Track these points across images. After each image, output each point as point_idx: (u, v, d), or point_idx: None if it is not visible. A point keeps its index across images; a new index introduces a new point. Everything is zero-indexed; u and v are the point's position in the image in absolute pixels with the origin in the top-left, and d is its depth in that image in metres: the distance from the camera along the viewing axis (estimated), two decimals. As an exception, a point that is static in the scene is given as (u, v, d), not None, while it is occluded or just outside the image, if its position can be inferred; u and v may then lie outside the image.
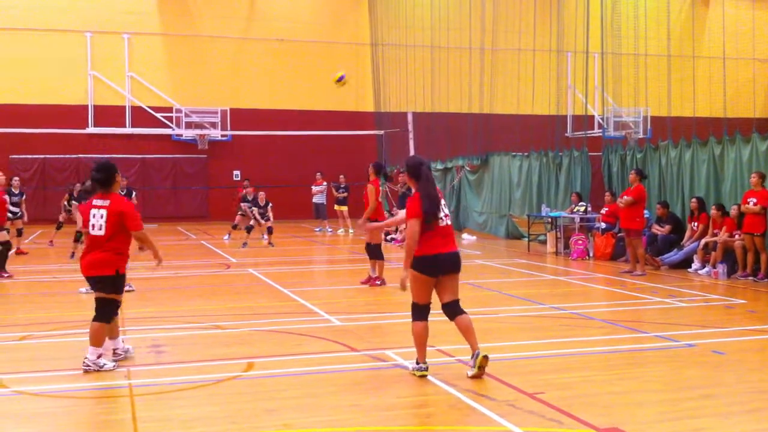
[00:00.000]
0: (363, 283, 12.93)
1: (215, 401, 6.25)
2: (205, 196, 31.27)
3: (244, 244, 20.16)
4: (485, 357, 6.75)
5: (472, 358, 6.81)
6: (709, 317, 10.11)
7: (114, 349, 7.59)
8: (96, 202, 7.45)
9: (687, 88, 21.78)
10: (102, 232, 7.31)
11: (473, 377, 6.75)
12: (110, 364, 7.27)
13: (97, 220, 7.35)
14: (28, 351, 8.31)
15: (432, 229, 6.83)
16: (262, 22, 32.31)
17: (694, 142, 16.14)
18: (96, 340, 7.23)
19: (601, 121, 30.59)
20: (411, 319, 6.96)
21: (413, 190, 7.05)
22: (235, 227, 21.92)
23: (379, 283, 12.81)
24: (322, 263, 17.73)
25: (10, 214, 18.72)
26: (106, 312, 7.33)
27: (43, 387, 6.76)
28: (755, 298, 11.55)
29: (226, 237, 22.06)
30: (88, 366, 7.18)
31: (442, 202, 7.00)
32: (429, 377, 6.83)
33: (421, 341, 6.92)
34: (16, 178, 20.33)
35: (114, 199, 7.43)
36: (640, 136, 29.36)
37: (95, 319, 7.29)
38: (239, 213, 21.56)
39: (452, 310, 6.96)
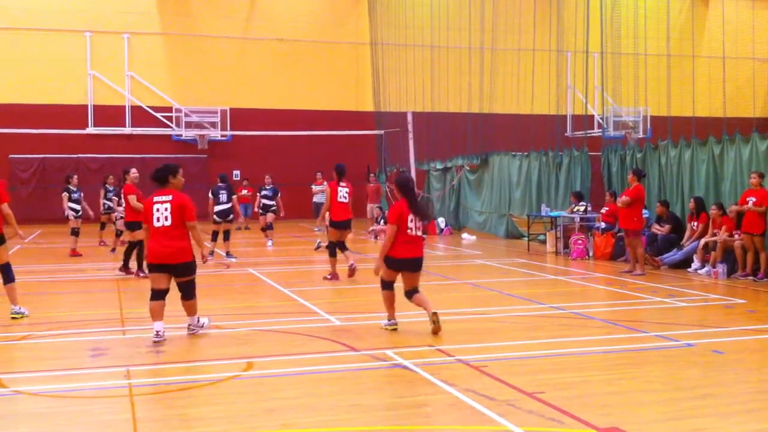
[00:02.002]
0: (350, 277, 13.40)
1: (215, 401, 6.25)
2: (205, 196, 31.23)
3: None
4: (435, 313, 8.60)
5: (429, 317, 8.63)
6: (709, 317, 10.11)
7: (158, 331, 8.44)
8: (157, 198, 8.48)
9: (687, 88, 21.78)
10: (169, 223, 8.37)
11: (433, 332, 8.52)
12: (208, 321, 8.95)
13: (162, 213, 8.39)
14: (29, 351, 8.31)
15: (403, 234, 8.63)
16: (262, 21, 32.31)
17: (693, 142, 16.14)
18: (194, 311, 8.74)
19: (600, 120, 30.59)
20: (381, 289, 8.93)
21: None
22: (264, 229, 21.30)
23: (329, 277, 13.36)
24: (322, 263, 17.72)
25: (73, 213, 18.25)
26: (193, 289, 8.67)
27: (42, 387, 6.75)
28: (755, 298, 11.54)
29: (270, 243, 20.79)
30: (194, 329, 8.72)
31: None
32: (429, 377, 6.83)
33: (389, 303, 8.94)
34: (75, 176, 19.70)
35: (175, 194, 8.52)
36: (640, 135, 29.36)
37: (189, 297, 8.65)
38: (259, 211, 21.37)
39: (409, 295, 8.83)
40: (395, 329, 8.84)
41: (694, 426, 5.56)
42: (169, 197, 8.45)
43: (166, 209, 8.37)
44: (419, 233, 8.78)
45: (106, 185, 20.53)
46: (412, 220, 8.68)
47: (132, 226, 14.29)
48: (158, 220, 8.37)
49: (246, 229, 26.25)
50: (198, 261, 8.80)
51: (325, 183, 26.08)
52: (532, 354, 7.80)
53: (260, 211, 21.34)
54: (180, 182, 8.73)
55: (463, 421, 5.73)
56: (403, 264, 8.72)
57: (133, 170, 14.72)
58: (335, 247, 13.50)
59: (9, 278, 10.03)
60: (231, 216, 17.45)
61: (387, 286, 8.92)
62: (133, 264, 14.15)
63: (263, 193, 21.26)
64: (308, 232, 25.23)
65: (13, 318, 9.80)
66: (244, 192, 26.81)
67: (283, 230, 24.94)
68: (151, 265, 8.51)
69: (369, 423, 5.73)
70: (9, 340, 8.74)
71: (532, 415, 5.77)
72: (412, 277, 8.83)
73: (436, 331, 8.56)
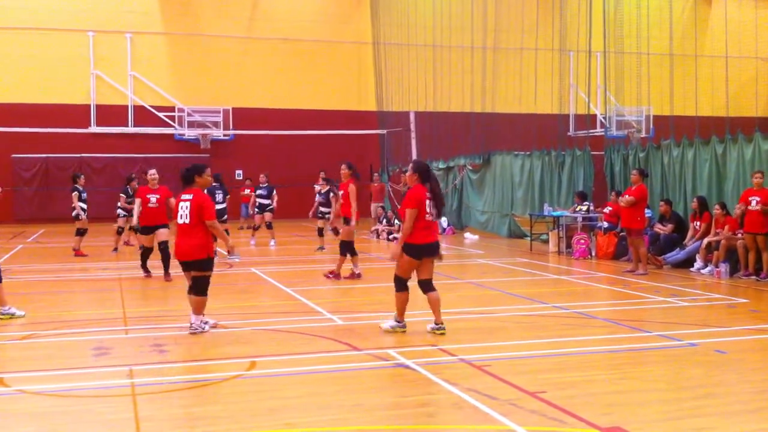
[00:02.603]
0: (346, 278, 13.27)
1: (218, 400, 6.26)
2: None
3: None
4: (442, 327, 8.65)
5: (435, 324, 8.65)
6: (712, 317, 10.10)
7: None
8: (183, 196, 8.99)
9: (689, 87, 21.77)
10: (188, 221, 8.82)
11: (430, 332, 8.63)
12: (208, 326, 8.89)
13: (183, 211, 8.87)
14: (31, 350, 8.32)
15: (422, 221, 8.51)
16: (264, 21, 32.33)
17: (696, 141, 16.13)
18: (199, 310, 8.85)
19: (603, 120, 30.58)
20: (395, 289, 8.72)
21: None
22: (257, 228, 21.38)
23: (330, 276, 13.28)
24: (324, 262, 17.74)
25: (82, 212, 17.99)
26: (205, 287, 8.88)
27: (45, 386, 6.76)
28: (757, 298, 11.54)
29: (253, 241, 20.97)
30: (195, 329, 8.77)
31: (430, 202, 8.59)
32: (431, 376, 6.83)
33: (403, 306, 8.77)
34: (83, 175, 19.68)
35: (196, 193, 8.96)
36: (643, 135, 29.34)
37: (197, 293, 8.83)
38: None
39: (426, 286, 8.70)
40: (404, 331, 8.73)
41: (696, 425, 5.56)
42: (191, 196, 8.90)
43: (186, 207, 8.84)
44: (434, 219, 8.71)
45: (260, 183, 20.82)
46: (429, 206, 8.58)
47: (141, 230, 13.97)
48: (180, 217, 8.88)
49: (248, 228, 26.23)
50: (224, 259, 9.20)
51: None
52: (535, 353, 7.80)
53: (256, 210, 21.07)
54: (205, 181, 9.14)
55: (465, 421, 5.73)
56: (425, 250, 8.58)
57: (152, 171, 14.23)
58: (350, 248, 13.41)
59: None
60: (226, 216, 17.39)
61: (403, 286, 8.76)
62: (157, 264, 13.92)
63: (259, 192, 21.04)
64: (311, 231, 25.22)
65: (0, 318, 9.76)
66: (247, 192, 26.80)
67: (286, 229, 24.95)
68: (179, 262, 9.11)
69: (371, 422, 5.73)
70: (11, 339, 8.75)
71: (534, 414, 5.77)
72: (430, 263, 8.71)
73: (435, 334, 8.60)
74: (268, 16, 32.36)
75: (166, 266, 13.44)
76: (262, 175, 21.71)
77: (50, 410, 6.06)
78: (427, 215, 8.56)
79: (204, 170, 9.14)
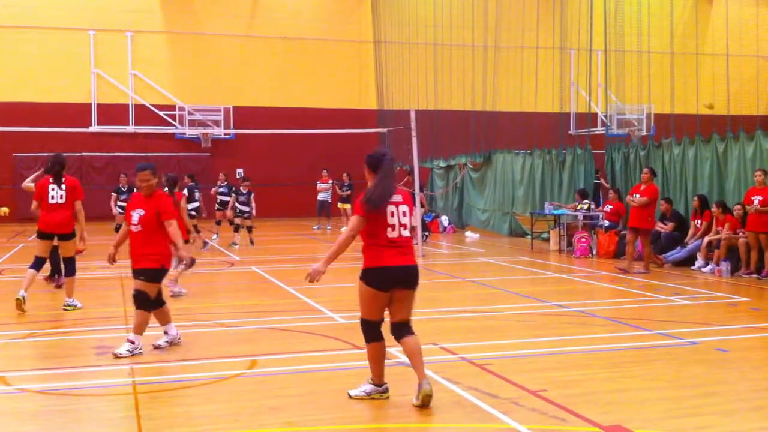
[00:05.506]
0: None
1: (219, 399, 6.26)
2: (206, 195, 31.20)
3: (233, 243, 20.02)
4: (429, 395, 5.86)
5: (418, 387, 5.93)
6: (713, 315, 10.10)
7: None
8: None
9: (690, 86, 21.76)
10: None
11: (417, 406, 5.91)
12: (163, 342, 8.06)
13: None
14: (33, 348, 8.33)
15: (381, 238, 5.94)
16: (265, 20, 32.32)
17: (697, 140, 16.12)
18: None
19: (604, 118, 30.55)
20: (364, 341, 6.16)
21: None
22: (219, 223, 21.63)
23: None
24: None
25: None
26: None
27: (46, 385, 6.77)
28: (759, 296, 11.54)
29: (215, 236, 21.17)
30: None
31: (404, 210, 6.04)
32: (433, 375, 6.83)
33: (378, 361, 6.16)
34: (245, 177, 20.97)
35: None
36: (644, 133, 29.33)
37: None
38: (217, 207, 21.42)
39: (399, 330, 6.07)
40: (387, 397, 6.20)
41: (697, 424, 5.56)
42: None
43: None
44: (407, 234, 6.11)
45: (219, 183, 21.46)
46: (397, 214, 6.09)
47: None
48: None
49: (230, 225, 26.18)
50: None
51: (329, 179, 26.26)
52: (536, 352, 7.80)
53: (218, 206, 21.62)
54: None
55: (466, 419, 5.73)
56: (390, 277, 5.99)
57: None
58: None
59: (71, 271, 10.57)
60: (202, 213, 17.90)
61: (371, 333, 6.08)
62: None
63: (220, 190, 21.73)
64: (312, 230, 25.22)
65: (65, 309, 10.27)
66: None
67: (286, 228, 24.93)
68: None
69: (373, 421, 5.74)
70: (14, 338, 8.75)
71: (535, 413, 5.77)
72: (404, 297, 6.07)
73: (421, 406, 5.91)
74: (269, 15, 32.34)
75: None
76: (221, 174, 22.38)
77: (52, 409, 6.07)
78: (391, 229, 5.98)
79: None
